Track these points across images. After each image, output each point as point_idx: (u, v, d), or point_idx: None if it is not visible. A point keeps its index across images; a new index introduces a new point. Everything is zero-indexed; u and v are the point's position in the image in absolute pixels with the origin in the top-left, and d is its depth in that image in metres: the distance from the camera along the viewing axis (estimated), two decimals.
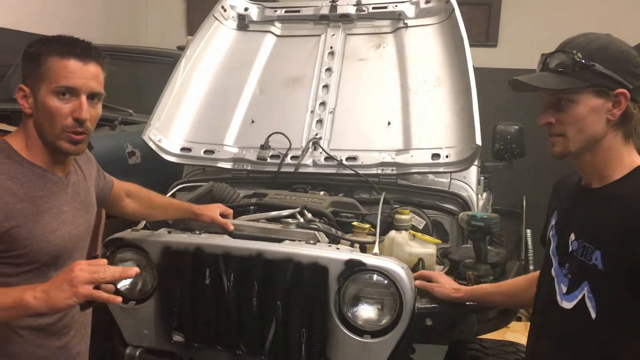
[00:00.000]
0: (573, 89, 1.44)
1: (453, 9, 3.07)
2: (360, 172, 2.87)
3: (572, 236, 1.51)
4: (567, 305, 1.49)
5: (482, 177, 3.35)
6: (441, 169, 2.81)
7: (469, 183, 3.04)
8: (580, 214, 1.53)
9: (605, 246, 1.40)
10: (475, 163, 3.04)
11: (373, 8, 3.31)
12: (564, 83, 1.45)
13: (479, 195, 3.77)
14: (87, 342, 1.75)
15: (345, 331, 2.08)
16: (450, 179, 2.99)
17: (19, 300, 1.37)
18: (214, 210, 2.30)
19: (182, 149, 3.11)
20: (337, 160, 2.91)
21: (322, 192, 2.84)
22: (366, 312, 2.09)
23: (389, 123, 2.99)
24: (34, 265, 1.52)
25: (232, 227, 2.29)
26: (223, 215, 2.33)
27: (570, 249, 1.51)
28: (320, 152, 2.97)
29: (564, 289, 1.51)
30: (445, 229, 2.79)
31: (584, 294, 1.45)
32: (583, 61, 1.43)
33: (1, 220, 1.44)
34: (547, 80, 1.48)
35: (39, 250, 1.51)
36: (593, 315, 1.43)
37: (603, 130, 1.44)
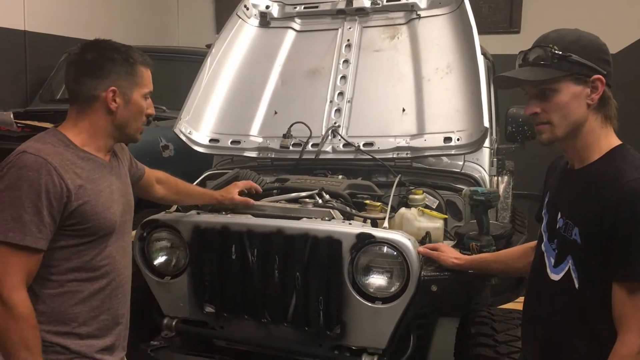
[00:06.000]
0: (555, 78, 1.58)
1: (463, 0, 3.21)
2: (377, 156, 3.03)
3: (559, 214, 1.66)
4: (555, 277, 1.64)
5: (495, 159, 3.47)
6: (453, 152, 2.96)
7: (481, 164, 3.14)
8: (565, 193, 1.67)
9: (582, 223, 1.55)
10: (488, 145, 3.18)
11: (387, 1, 3.44)
12: (545, 74, 1.58)
13: (498, 177, 3.89)
14: (129, 307, 1.99)
15: (359, 298, 2.28)
16: (464, 161, 3.11)
17: None
18: (232, 192, 2.52)
19: (211, 140, 3.32)
20: (354, 146, 3.08)
21: (340, 176, 3.02)
22: (377, 280, 2.28)
23: (403, 110, 3.14)
24: (93, 237, 1.77)
25: (252, 202, 2.52)
26: (243, 193, 2.56)
27: (557, 226, 1.66)
28: (339, 139, 3.14)
29: (552, 262, 1.66)
30: (459, 208, 2.95)
31: (569, 267, 1.59)
32: (560, 53, 1.57)
33: (73, 200, 1.69)
34: (530, 74, 1.62)
35: (99, 224, 1.77)
36: (577, 285, 1.57)
37: (585, 115, 1.58)
